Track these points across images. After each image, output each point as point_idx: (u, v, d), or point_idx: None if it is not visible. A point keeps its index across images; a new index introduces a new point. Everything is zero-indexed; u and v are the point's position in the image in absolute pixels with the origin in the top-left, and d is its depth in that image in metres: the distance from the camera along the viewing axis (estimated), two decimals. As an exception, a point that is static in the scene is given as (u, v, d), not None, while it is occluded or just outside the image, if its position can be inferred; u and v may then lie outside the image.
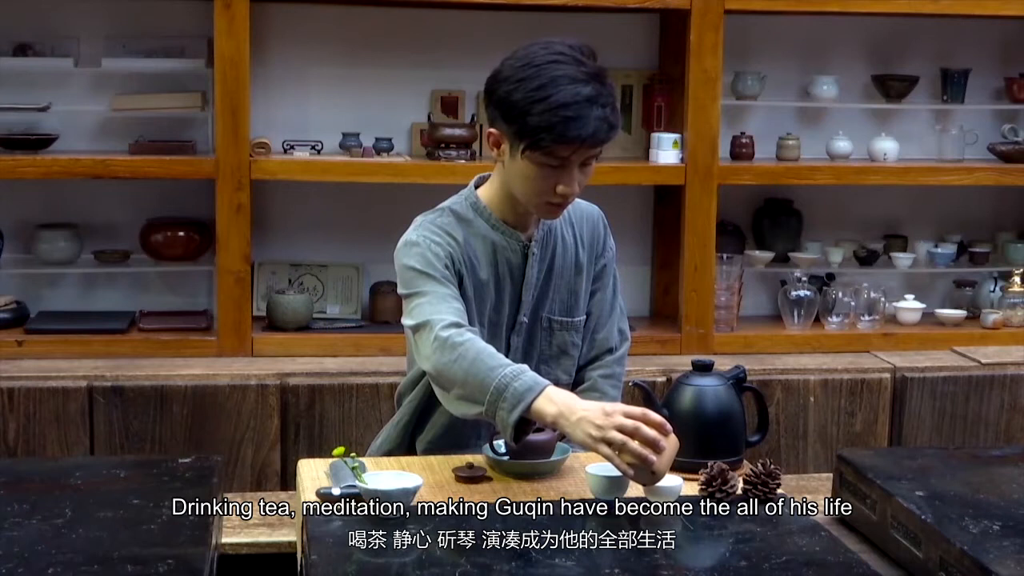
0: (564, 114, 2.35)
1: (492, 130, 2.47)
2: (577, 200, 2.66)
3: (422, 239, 2.49)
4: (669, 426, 2.19)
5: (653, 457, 2.15)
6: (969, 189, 4.34)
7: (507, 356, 2.54)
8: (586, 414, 2.20)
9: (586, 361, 2.72)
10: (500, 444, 2.45)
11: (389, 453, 2.66)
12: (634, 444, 2.15)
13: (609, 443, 2.17)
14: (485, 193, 2.57)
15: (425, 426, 2.66)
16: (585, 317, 2.68)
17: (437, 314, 2.40)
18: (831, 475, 2.60)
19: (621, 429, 2.16)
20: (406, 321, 2.47)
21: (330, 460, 2.42)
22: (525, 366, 2.33)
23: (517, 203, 2.52)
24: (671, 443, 2.19)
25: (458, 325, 2.39)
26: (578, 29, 4.12)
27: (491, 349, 2.36)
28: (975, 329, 4.24)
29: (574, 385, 2.71)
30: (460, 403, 2.37)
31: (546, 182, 2.43)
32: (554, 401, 2.25)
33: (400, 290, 2.51)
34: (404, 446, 2.68)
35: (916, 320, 4.24)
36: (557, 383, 2.57)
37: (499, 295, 2.58)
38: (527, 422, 2.30)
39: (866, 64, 4.38)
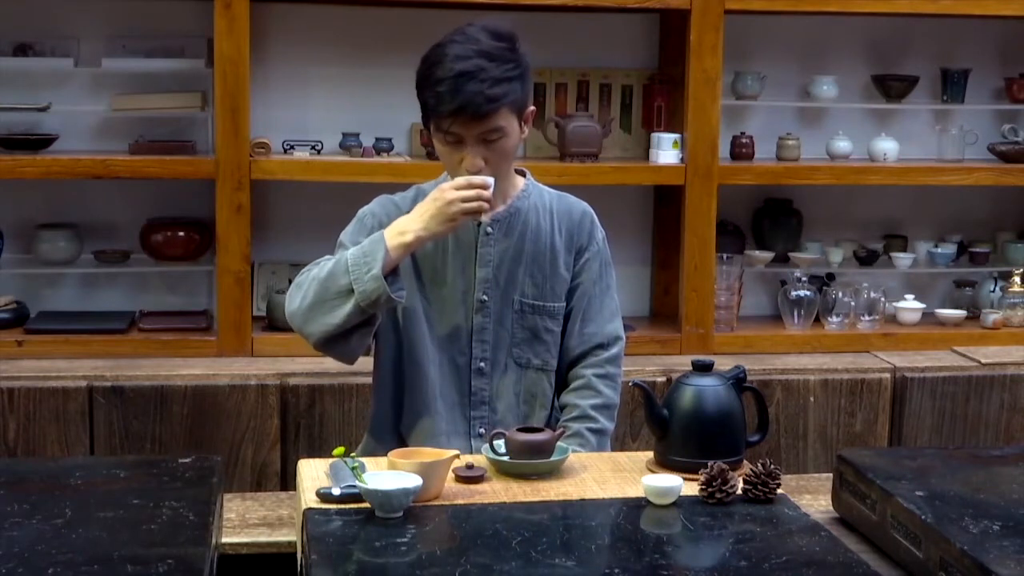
0: (438, 89, 2.50)
1: None
2: (567, 195, 2.76)
3: (364, 212, 2.69)
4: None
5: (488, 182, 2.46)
6: (969, 189, 4.33)
7: (472, 336, 2.67)
8: (422, 204, 2.48)
9: (577, 357, 2.73)
10: (500, 444, 2.45)
11: (375, 452, 2.62)
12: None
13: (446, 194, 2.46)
14: None
15: (402, 413, 2.67)
16: (565, 305, 2.71)
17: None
18: (831, 475, 2.60)
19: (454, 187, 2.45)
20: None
21: (330, 460, 2.42)
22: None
23: None
24: None
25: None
26: (578, 29, 4.13)
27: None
28: (975, 329, 4.24)
29: (568, 384, 2.73)
30: (330, 309, 2.48)
31: (452, 158, 2.57)
32: (399, 230, 2.47)
33: None
34: (389, 440, 2.66)
35: (916, 320, 4.24)
36: (528, 366, 2.67)
37: (446, 268, 2.65)
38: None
39: (866, 64, 4.38)
